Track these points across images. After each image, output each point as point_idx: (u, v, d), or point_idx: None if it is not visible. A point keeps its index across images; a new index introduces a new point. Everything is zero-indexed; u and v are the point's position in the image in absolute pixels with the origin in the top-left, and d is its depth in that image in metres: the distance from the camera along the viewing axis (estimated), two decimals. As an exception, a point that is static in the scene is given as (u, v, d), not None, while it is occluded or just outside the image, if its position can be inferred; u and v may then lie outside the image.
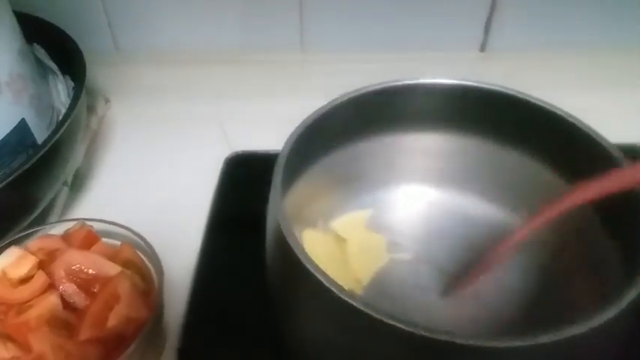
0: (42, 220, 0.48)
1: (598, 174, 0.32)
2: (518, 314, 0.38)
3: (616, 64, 0.64)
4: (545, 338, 0.24)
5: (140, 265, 0.40)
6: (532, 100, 0.38)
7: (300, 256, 0.28)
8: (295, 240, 0.28)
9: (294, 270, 0.28)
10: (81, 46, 0.53)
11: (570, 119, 0.37)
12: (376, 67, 0.61)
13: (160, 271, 0.39)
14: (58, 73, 0.54)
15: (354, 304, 0.25)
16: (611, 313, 0.25)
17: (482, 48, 0.65)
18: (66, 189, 0.52)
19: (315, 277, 0.27)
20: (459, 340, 0.24)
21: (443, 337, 0.24)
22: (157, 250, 0.41)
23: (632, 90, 0.62)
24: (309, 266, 0.27)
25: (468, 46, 0.65)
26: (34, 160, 0.42)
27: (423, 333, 0.24)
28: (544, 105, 0.37)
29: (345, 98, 0.38)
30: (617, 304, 0.25)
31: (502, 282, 0.40)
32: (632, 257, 0.30)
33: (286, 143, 0.35)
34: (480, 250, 0.39)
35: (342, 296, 0.26)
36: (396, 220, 0.44)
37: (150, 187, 0.54)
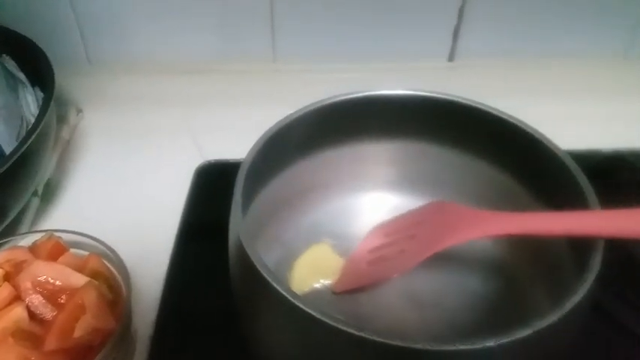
0: (12, 230, 0.48)
1: (550, 181, 0.34)
2: (479, 317, 0.39)
3: (584, 72, 0.65)
4: (491, 342, 0.25)
5: (107, 276, 0.41)
6: (486, 109, 0.39)
7: (259, 267, 0.28)
8: (254, 251, 0.29)
9: (254, 280, 0.29)
10: (53, 56, 0.53)
11: (524, 127, 0.38)
12: (347, 77, 0.63)
13: (127, 280, 0.40)
14: (27, 84, 0.54)
15: (310, 312, 0.26)
16: (555, 316, 0.26)
17: (451, 58, 0.66)
18: (36, 199, 0.52)
19: (273, 287, 0.27)
20: (409, 345, 0.25)
21: (393, 342, 0.25)
22: (127, 261, 0.41)
23: (598, 98, 0.64)
24: (267, 276, 0.28)
25: (436, 56, 0.66)
26: (2, 170, 0.42)
27: (373, 338, 0.25)
28: (498, 113, 0.39)
29: (308, 109, 0.38)
30: (561, 308, 0.26)
31: (463, 286, 0.41)
32: (582, 259, 0.30)
33: (247, 155, 0.35)
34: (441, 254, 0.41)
35: (299, 304, 0.26)
36: (360, 227, 0.44)
37: (121, 197, 0.55)
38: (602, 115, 0.62)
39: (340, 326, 0.25)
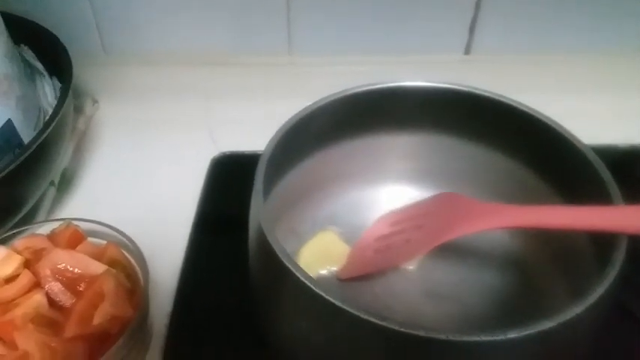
0: (29, 219, 0.49)
1: (571, 175, 0.33)
2: (495, 311, 0.39)
3: (599, 68, 0.65)
4: (514, 333, 0.25)
5: (125, 264, 0.41)
6: (508, 102, 0.39)
7: (281, 256, 0.28)
8: (276, 240, 0.29)
9: (275, 269, 0.29)
10: (69, 47, 0.53)
11: (546, 121, 0.38)
12: (362, 70, 0.62)
13: (145, 270, 0.40)
14: (45, 74, 0.54)
15: (333, 301, 0.26)
16: (578, 309, 0.26)
17: (467, 51, 0.66)
18: (53, 189, 0.52)
19: (296, 275, 0.27)
20: (431, 335, 0.25)
21: (416, 332, 0.25)
22: (143, 250, 0.41)
23: (615, 93, 0.63)
24: (289, 265, 0.28)
25: (452, 49, 0.66)
26: (21, 160, 0.42)
27: (397, 328, 0.25)
28: (520, 107, 0.39)
29: (328, 100, 0.38)
30: (584, 300, 0.26)
31: (479, 279, 0.41)
32: (604, 253, 0.30)
33: (268, 145, 0.35)
34: (459, 247, 0.40)
35: (321, 293, 0.26)
36: (375, 218, 0.44)
37: (137, 187, 0.55)
38: (619, 110, 0.61)
39: (363, 315, 0.25)
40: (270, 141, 0.35)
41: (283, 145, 0.36)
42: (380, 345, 0.27)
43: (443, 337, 0.24)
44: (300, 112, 0.37)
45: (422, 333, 0.25)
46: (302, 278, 0.27)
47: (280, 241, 0.29)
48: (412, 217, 0.42)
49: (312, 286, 0.27)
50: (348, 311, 0.25)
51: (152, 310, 0.42)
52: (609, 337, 0.30)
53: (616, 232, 0.30)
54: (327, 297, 0.26)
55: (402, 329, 0.25)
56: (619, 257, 0.28)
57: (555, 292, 0.38)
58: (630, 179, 0.51)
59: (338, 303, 0.26)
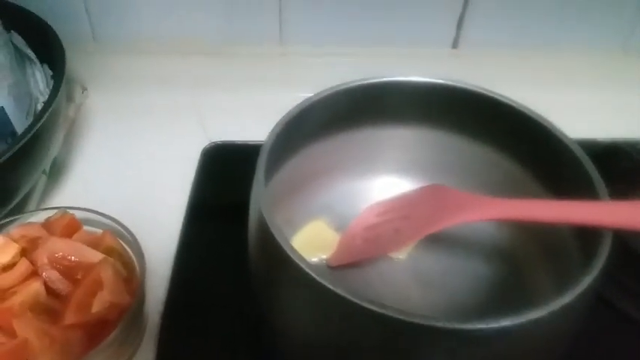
0: (20, 208, 0.48)
1: (557, 169, 0.35)
2: (483, 299, 0.40)
3: (585, 62, 0.66)
4: (506, 321, 0.26)
5: (121, 252, 0.41)
6: (497, 97, 0.40)
7: (283, 245, 0.29)
8: (278, 229, 0.30)
9: (276, 257, 0.29)
10: (58, 34, 0.53)
11: (533, 115, 0.39)
12: (352, 61, 0.63)
13: (141, 257, 0.40)
14: (37, 61, 0.54)
15: (334, 289, 0.27)
16: (568, 298, 0.27)
17: (455, 45, 0.67)
18: (44, 177, 0.52)
19: (297, 264, 0.28)
20: (428, 323, 0.26)
21: (413, 320, 0.26)
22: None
23: (600, 88, 0.65)
24: (291, 254, 0.29)
25: (440, 43, 0.67)
26: (16, 149, 0.42)
27: (395, 316, 0.26)
28: (508, 102, 0.40)
29: (326, 94, 0.39)
30: (573, 290, 0.27)
31: (467, 268, 0.42)
32: (589, 244, 0.32)
33: (269, 135, 0.36)
34: (448, 237, 0.42)
35: (322, 282, 0.27)
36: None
37: (127, 176, 0.55)
38: (601, 105, 0.63)
39: (362, 303, 0.26)
40: (271, 133, 0.36)
41: (283, 136, 0.37)
42: (378, 332, 0.28)
43: (440, 324, 0.25)
44: (300, 103, 0.38)
45: (419, 320, 0.26)
46: (303, 266, 0.28)
47: (279, 230, 0.30)
48: (399, 207, 0.43)
49: (313, 275, 0.27)
50: (348, 299, 0.26)
51: (146, 298, 0.42)
52: (589, 326, 0.32)
53: (600, 227, 0.31)
54: (329, 286, 0.27)
55: (399, 317, 0.26)
56: (604, 250, 0.30)
57: (540, 283, 0.39)
58: (613, 173, 0.53)
59: (339, 291, 0.27)
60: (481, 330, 0.26)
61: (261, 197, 0.32)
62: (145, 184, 0.54)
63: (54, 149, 0.52)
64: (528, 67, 0.66)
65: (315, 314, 0.29)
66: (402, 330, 0.27)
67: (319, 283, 0.27)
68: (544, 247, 0.40)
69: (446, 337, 0.27)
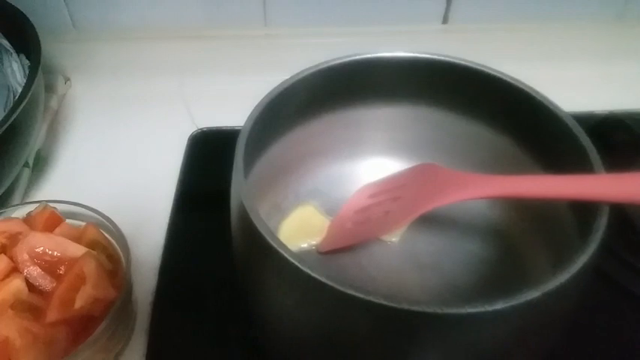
0: (4, 202, 0.48)
1: (551, 143, 0.33)
2: (479, 280, 0.40)
3: (577, 35, 0.65)
4: (500, 304, 0.25)
5: (106, 245, 0.40)
6: (487, 71, 0.39)
7: (263, 232, 0.28)
8: (258, 217, 0.29)
9: (259, 247, 0.28)
10: (37, 23, 0.51)
11: (525, 89, 0.37)
12: (339, 41, 0.61)
13: (126, 250, 0.39)
14: (12, 51, 0.52)
15: (318, 277, 0.26)
16: (563, 277, 0.26)
17: (445, 20, 0.65)
18: (27, 170, 0.51)
19: (279, 252, 0.27)
20: (418, 309, 0.25)
21: (401, 306, 0.25)
22: (123, 229, 0.41)
23: (593, 60, 0.63)
24: (272, 242, 0.28)
25: (430, 19, 0.65)
26: (-9, 142, 0.41)
27: (382, 302, 0.25)
28: (498, 75, 0.38)
29: (305, 74, 0.38)
30: (568, 269, 0.26)
31: (462, 248, 0.41)
32: (585, 221, 0.30)
33: (246, 123, 0.35)
34: (441, 217, 0.40)
35: (306, 270, 0.26)
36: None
37: (114, 166, 0.54)
38: (597, 77, 0.62)
39: (348, 290, 0.25)
40: (248, 118, 0.35)
41: (262, 121, 0.36)
42: (366, 319, 0.27)
43: (430, 310, 0.24)
44: (276, 87, 0.37)
45: (407, 306, 0.25)
46: (286, 255, 0.27)
47: (263, 217, 0.29)
48: (390, 188, 0.42)
49: (296, 263, 0.26)
50: (333, 287, 0.25)
51: (136, 289, 0.42)
52: (588, 301, 0.31)
53: (597, 201, 0.30)
54: (311, 273, 0.26)
55: (387, 303, 0.25)
56: (601, 226, 0.29)
57: (537, 260, 0.38)
58: (609, 146, 0.52)
59: (323, 279, 0.25)
60: (473, 314, 0.25)
61: (241, 185, 0.30)
62: (131, 174, 0.53)
63: (35, 141, 0.51)
64: (521, 40, 0.65)
65: (300, 303, 0.28)
66: (390, 317, 0.26)
67: (303, 272, 0.26)
68: (539, 222, 0.39)
69: (437, 323, 0.26)
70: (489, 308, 0.25)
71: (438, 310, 0.25)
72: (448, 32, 0.66)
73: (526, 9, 0.65)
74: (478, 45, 0.61)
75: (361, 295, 0.25)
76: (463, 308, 0.25)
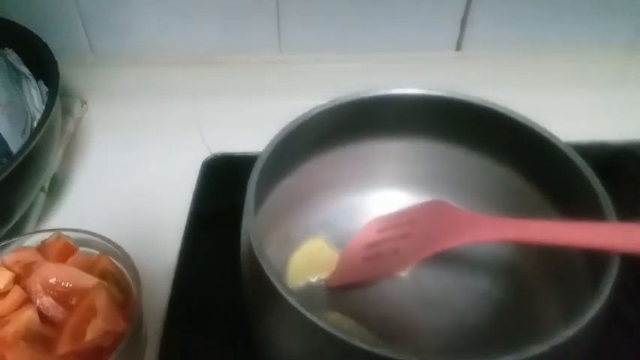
0: (19, 226, 0.48)
1: (561, 182, 0.33)
2: (489, 320, 0.39)
3: (590, 64, 0.64)
4: (509, 358, 0.25)
5: (117, 276, 0.41)
6: (497, 109, 0.39)
7: (270, 276, 0.28)
8: (266, 259, 0.29)
9: (265, 288, 0.29)
10: (55, 48, 0.51)
11: (535, 128, 0.37)
12: (353, 67, 0.62)
13: (137, 281, 0.40)
14: (32, 78, 0.53)
15: (323, 326, 0.26)
16: (571, 331, 0.26)
17: (458, 47, 0.65)
18: (43, 195, 0.51)
19: (284, 297, 0.27)
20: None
21: (405, 358, 0.25)
22: (135, 256, 0.41)
23: (606, 89, 0.63)
24: (278, 286, 0.28)
25: (443, 46, 0.65)
26: (9, 170, 0.42)
27: (387, 354, 0.24)
28: (510, 114, 0.38)
29: (318, 111, 0.38)
30: (577, 322, 0.26)
31: (473, 287, 0.41)
32: (598, 265, 0.30)
33: (259, 158, 0.35)
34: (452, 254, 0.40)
35: (312, 319, 0.26)
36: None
37: (128, 191, 0.54)
38: (611, 106, 0.61)
39: (355, 342, 0.25)
40: (264, 151, 0.35)
41: (275, 156, 0.36)
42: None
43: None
44: (288, 125, 0.37)
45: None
46: (292, 302, 0.27)
47: (274, 249, 0.29)
48: (399, 224, 0.42)
49: (302, 311, 0.26)
50: (339, 338, 0.25)
51: (146, 316, 0.42)
52: (606, 348, 0.30)
53: (608, 251, 0.30)
54: (319, 323, 0.26)
55: (391, 356, 0.25)
56: (611, 276, 0.28)
57: (548, 302, 0.38)
58: (623, 177, 0.52)
59: (329, 329, 0.26)
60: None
61: (251, 224, 0.31)
62: (145, 198, 0.53)
63: (52, 166, 0.52)
64: (535, 68, 0.64)
65: (306, 350, 0.28)
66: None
67: (309, 320, 0.26)
68: (550, 264, 0.39)
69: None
70: (499, 362, 0.24)
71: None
72: (461, 59, 0.65)
73: (539, 36, 0.64)
74: (491, 72, 0.61)
75: (367, 347, 0.25)
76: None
